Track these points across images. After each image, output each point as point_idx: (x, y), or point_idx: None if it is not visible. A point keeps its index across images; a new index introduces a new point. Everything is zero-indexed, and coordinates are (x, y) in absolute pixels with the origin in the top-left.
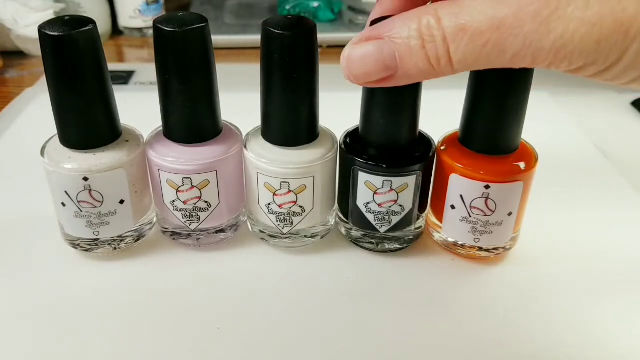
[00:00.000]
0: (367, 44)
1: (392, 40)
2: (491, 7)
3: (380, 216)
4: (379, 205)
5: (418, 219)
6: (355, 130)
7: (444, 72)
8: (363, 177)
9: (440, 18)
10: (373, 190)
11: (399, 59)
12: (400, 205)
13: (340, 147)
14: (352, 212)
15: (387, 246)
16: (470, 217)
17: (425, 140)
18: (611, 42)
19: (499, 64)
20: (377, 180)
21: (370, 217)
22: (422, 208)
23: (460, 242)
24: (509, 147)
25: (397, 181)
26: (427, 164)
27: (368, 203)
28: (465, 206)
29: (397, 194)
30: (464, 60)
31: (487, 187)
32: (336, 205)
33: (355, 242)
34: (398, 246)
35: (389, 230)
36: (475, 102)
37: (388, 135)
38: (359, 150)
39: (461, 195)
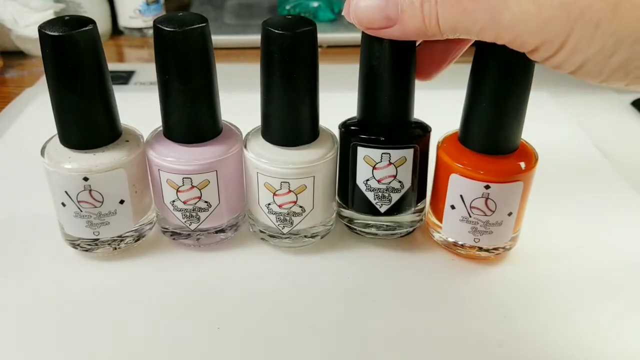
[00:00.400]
0: None
1: None
2: None
3: (380, 193)
4: (379, 181)
5: (417, 204)
6: (351, 119)
7: (434, 32)
8: (362, 152)
9: None
10: (372, 165)
11: (400, 11)
12: (400, 182)
13: (340, 129)
14: (352, 194)
15: (388, 232)
16: (470, 217)
17: (422, 123)
18: (556, 24)
19: (473, 34)
20: (375, 154)
21: (370, 195)
22: (421, 192)
23: (460, 242)
24: (509, 147)
25: (396, 154)
26: (424, 140)
27: (367, 180)
28: (465, 206)
29: (396, 168)
30: (447, 24)
31: (487, 187)
32: (336, 207)
33: (358, 232)
34: (400, 231)
35: (389, 211)
36: (475, 102)
37: (386, 114)
38: (358, 129)
39: (461, 195)
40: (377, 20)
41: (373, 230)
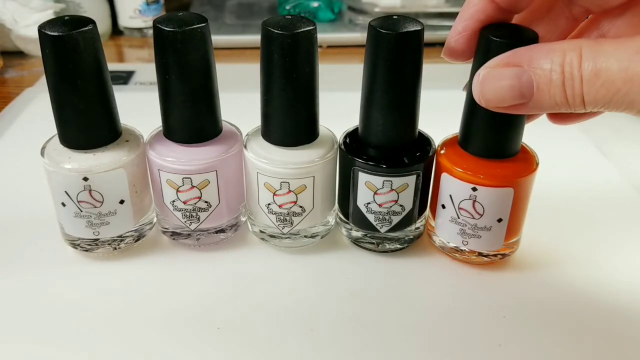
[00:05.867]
0: (505, 69)
1: (532, 70)
2: (628, 58)
3: (380, 216)
4: (380, 205)
5: (418, 218)
6: (355, 130)
7: (577, 108)
8: (363, 178)
9: (582, 57)
10: (373, 191)
11: (536, 88)
12: (401, 205)
13: (340, 147)
14: (352, 213)
15: (387, 246)
16: (459, 218)
17: (425, 140)
18: None
19: (628, 113)
20: (377, 181)
21: (370, 217)
22: (422, 208)
23: (457, 247)
24: (506, 151)
25: (397, 181)
26: (427, 163)
27: (368, 203)
28: (454, 206)
29: (398, 194)
30: (594, 102)
31: (474, 189)
32: (336, 205)
33: (356, 242)
34: (398, 246)
35: (389, 230)
36: (474, 105)
37: (388, 136)
38: (359, 151)
39: (450, 195)
40: (509, 100)
41: (372, 246)
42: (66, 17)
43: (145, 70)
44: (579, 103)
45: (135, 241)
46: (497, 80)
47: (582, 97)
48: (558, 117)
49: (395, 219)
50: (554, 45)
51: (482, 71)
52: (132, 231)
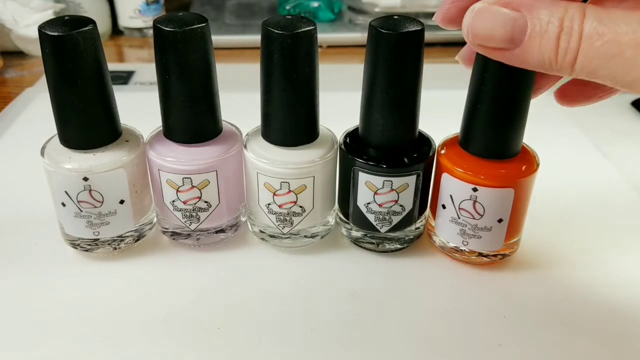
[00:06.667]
0: (503, 9)
1: (529, 16)
2: (637, 22)
3: (380, 216)
4: (380, 205)
5: (418, 218)
6: (355, 130)
7: (562, 69)
8: (363, 178)
9: (585, 15)
10: (373, 191)
11: (528, 36)
12: (401, 205)
13: (340, 147)
14: (352, 213)
15: (387, 246)
16: (459, 218)
17: (425, 140)
18: None
19: (617, 82)
20: (377, 181)
21: (370, 217)
22: (422, 208)
23: (458, 247)
24: (507, 151)
25: (398, 181)
26: (427, 163)
27: (368, 203)
28: (455, 207)
29: (398, 194)
30: (587, 64)
31: (474, 189)
32: (336, 205)
33: (356, 242)
34: (398, 246)
35: (389, 230)
36: (475, 105)
37: (388, 136)
38: (359, 151)
39: (451, 196)
40: (497, 40)
41: (372, 246)
42: (66, 17)
43: (145, 70)
44: (568, 61)
45: (135, 241)
46: (491, 17)
47: (575, 55)
48: (566, 96)
49: (396, 219)
50: (559, 1)
51: (478, 5)
52: (132, 231)
